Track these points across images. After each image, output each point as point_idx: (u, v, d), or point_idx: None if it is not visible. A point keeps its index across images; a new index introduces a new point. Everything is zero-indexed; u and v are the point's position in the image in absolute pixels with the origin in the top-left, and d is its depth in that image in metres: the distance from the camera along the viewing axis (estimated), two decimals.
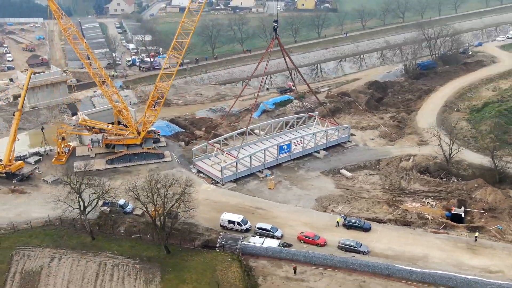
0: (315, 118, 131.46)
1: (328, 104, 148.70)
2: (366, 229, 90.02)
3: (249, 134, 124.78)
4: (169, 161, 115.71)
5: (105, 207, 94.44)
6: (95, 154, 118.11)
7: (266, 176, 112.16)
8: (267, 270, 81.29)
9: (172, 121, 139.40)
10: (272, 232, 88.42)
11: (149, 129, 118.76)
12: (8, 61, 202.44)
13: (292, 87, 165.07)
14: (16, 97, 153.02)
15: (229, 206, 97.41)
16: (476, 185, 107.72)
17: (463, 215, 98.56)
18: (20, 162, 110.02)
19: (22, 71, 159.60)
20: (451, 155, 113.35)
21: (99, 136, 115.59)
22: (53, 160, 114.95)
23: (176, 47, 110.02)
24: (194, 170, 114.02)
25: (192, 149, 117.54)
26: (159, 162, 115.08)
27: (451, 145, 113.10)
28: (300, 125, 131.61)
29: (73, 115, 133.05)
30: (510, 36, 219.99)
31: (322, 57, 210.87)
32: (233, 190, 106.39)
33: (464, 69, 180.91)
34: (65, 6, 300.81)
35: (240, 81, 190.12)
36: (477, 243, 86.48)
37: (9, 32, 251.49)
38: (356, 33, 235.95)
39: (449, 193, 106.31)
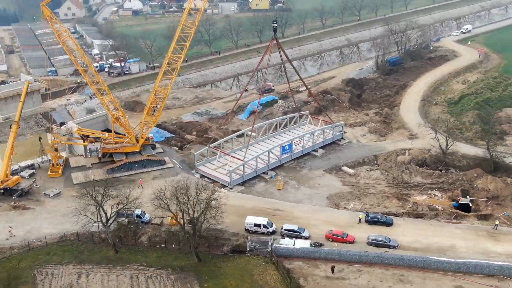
0: (307, 117, 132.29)
1: (312, 102, 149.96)
2: (389, 224, 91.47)
3: (243, 135, 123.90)
4: (171, 167, 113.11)
5: (122, 218, 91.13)
6: (92, 164, 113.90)
7: (271, 177, 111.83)
8: (305, 271, 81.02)
9: (159, 126, 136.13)
10: (299, 233, 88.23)
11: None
12: None
13: (272, 87, 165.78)
14: None
15: (246, 209, 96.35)
16: (475, 174, 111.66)
17: (470, 205, 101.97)
18: (17, 176, 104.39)
19: None
20: (448, 147, 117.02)
21: (97, 145, 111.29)
22: (48, 173, 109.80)
23: (175, 50, 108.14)
24: (197, 175, 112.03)
25: (194, 153, 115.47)
26: (162, 168, 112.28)
27: (447, 138, 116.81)
28: (292, 125, 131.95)
29: (61, 124, 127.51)
30: (464, 31, 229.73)
31: (289, 55, 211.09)
32: (242, 193, 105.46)
33: (430, 64, 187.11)
34: (10, 12, 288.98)
35: (212, 83, 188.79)
36: (497, 231, 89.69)
37: None
38: (317, 32, 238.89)
39: (451, 184, 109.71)
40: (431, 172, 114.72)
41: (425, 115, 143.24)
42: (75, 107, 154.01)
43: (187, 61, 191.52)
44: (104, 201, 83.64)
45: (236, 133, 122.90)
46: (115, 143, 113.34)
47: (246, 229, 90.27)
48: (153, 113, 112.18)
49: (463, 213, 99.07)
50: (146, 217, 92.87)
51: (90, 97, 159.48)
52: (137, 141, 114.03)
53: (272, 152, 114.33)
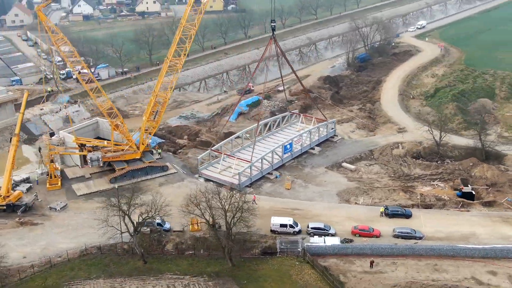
0: (299, 116, 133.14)
1: (295, 101, 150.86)
2: (408, 216, 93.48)
3: (238, 138, 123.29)
4: (174, 173, 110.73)
5: (144, 228, 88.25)
6: (90, 174, 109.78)
7: (276, 177, 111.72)
8: (342, 268, 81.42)
9: None
10: (326, 230, 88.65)
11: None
12: None
13: (252, 88, 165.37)
14: None
15: (266, 210, 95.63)
16: (471, 164, 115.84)
17: (473, 193, 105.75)
18: (18, 191, 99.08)
19: None
20: (441, 139, 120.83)
21: (98, 154, 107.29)
22: (47, 186, 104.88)
23: (175, 53, 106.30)
24: (201, 180, 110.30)
25: (198, 158, 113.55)
26: (166, 175, 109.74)
27: (440, 130, 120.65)
28: (284, 124, 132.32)
29: (51, 135, 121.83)
30: (419, 27, 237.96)
31: (257, 56, 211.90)
32: (252, 194, 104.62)
33: (395, 59, 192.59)
34: None
35: (186, 85, 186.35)
36: (510, 216, 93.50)
37: None
38: (279, 32, 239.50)
39: (450, 174, 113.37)
40: (429, 164, 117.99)
41: (407, 109, 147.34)
42: (51, 117, 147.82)
43: (158, 64, 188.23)
44: (132, 210, 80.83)
45: (234, 135, 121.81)
46: (115, 151, 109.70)
47: (271, 230, 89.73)
48: (154, 118, 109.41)
49: (468, 201, 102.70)
50: (167, 225, 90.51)
51: (65, 106, 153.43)
52: (137, 147, 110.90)
53: (275, 153, 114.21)
